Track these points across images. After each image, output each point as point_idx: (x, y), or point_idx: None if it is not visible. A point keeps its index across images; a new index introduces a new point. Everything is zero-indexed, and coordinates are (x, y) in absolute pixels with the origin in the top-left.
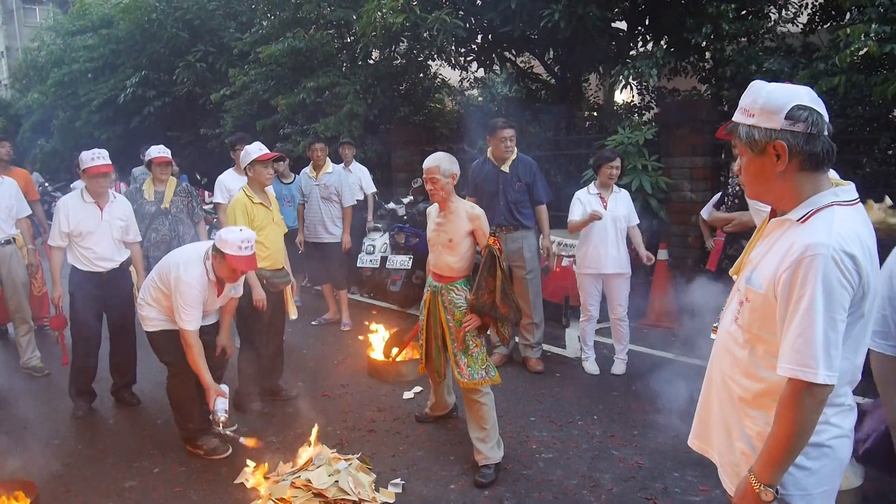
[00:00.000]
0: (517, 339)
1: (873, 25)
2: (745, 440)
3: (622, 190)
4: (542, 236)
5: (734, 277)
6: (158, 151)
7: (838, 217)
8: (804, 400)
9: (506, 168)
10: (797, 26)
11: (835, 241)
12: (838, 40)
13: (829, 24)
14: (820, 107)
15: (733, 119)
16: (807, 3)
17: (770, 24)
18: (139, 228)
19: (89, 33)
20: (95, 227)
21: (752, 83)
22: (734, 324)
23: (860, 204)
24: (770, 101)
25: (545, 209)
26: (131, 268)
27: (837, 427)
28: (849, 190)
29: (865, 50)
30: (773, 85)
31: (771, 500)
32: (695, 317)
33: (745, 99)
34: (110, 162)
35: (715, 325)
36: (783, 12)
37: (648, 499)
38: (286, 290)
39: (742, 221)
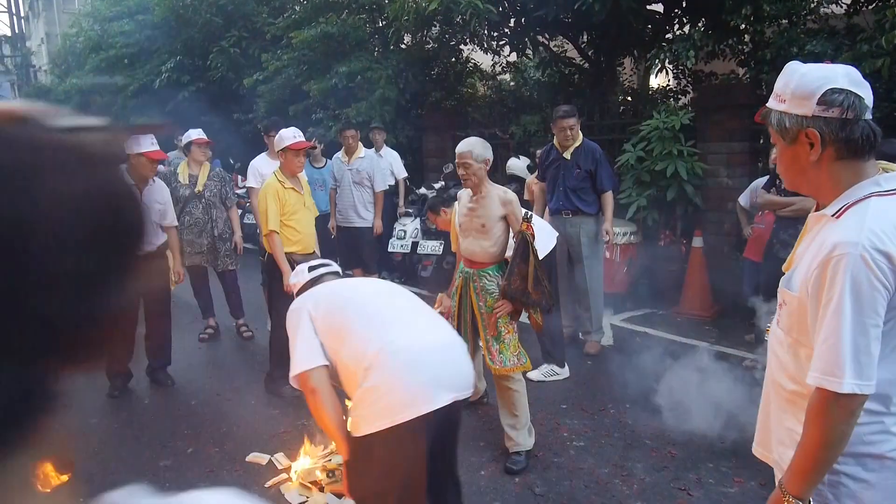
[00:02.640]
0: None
1: None
2: (794, 447)
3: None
4: (605, 221)
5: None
6: (198, 133)
7: (874, 210)
8: (831, 410)
9: (567, 155)
10: (841, 7)
11: (866, 239)
12: (884, 21)
13: (874, 5)
14: (861, 88)
15: (767, 104)
16: None
17: (813, 5)
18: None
19: (125, 19)
20: None
21: (787, 65)
22: (777, 326)
23: None
24: (802, 84)
25: (610, 196)
26: (168, 252)
27: None
28: (894, 177)
29: None
30: (808, 66)
31: None
32: (730, 306)
33: (779, 82)
34: (159, 149)
35: (768, 325)
36: None
37: (682, 489)
38: None
39: (804, 207)
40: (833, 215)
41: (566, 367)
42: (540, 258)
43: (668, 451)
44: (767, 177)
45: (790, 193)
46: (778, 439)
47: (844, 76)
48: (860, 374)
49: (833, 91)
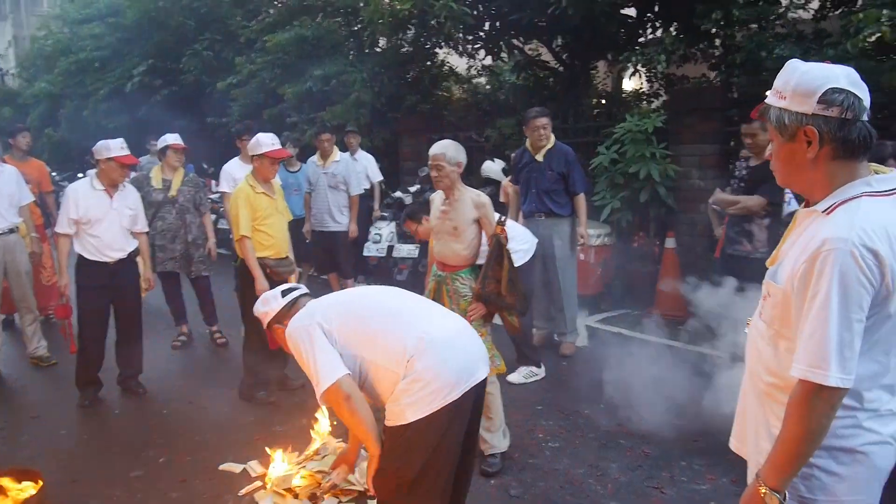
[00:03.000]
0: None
1: (885, 11)
2: (770, 440)
3: None
4: (578, 224)
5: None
6: (175, 138)
7: (865, 209)
8: (814, 403)
9: (540, 157)
10: (808, 12)
11: (855, 236)
12: (850, 26)
13: (840, 11)
14: (860, 89)
15: (766, 101)
16: None
17: (781, 10)
18: (145, 216)
19: (96, 22)
20: (104, 214)
21: (788, 62)
22: (759, 318)
23: None
24: (803, 82)
25: (582, 198)
26: (139, 258)
27: (873, 433)
28: (887, 179)
29: (878, 36)
30: (809, 65)
31: None
32: (702, 306)
33: (779, 79)
34: (133, 157)
35: (749, 318)
36: None
37: (656, 487)
38: (290, 279)
39: (747, 206)
40: (824, 212)
41: (542, 366)
42: (517, 265)
43: (642, 450)
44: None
45: (742, 192)
46: (754, 431)
47: (845, 76)
48: (844, 369)
49: (834, 90)
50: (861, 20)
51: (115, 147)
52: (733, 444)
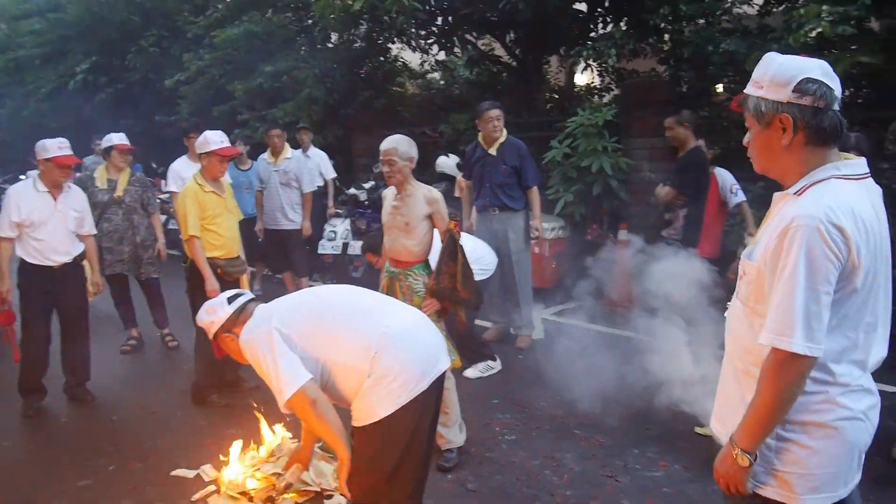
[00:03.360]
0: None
1: (825, 6)
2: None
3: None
4: (532, 218)
5: None
6: (120, 138)
7: (833, 189)
8: (783, 370)
9: (493, 151)
10: (753, 8)
11: (822, 213)
12: (792, 21)
13: (783, 6)
14: (832, 80)
15: (745, 91)
16: None
17: (727, 6)
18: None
19: (36, 17)
20: (48, 217)
21: (765, 55)
22: (736, 299)
23: (870, 180)
24: (779, 73)
25: (535, 192)
26: (84, 262)
27: (845, 408)
28: (855, 164)
29: (819, 31)
30: (785, 57)
31: (747, 466)
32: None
33: (757, 70)
34: (72, 153)
35: (728, 304)
36: None
37: (610, 476)
38: (242, 279)
39: (658, 196)
40: (795, 193)
41: (497, 359)
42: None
43: (597, 439)
44: None
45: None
46: (731, 408)
47: (818, 68)
48: (811, 338)
49: (808, 80)
50: (802, 16)
51: (52, 147)
52: (713, 425)
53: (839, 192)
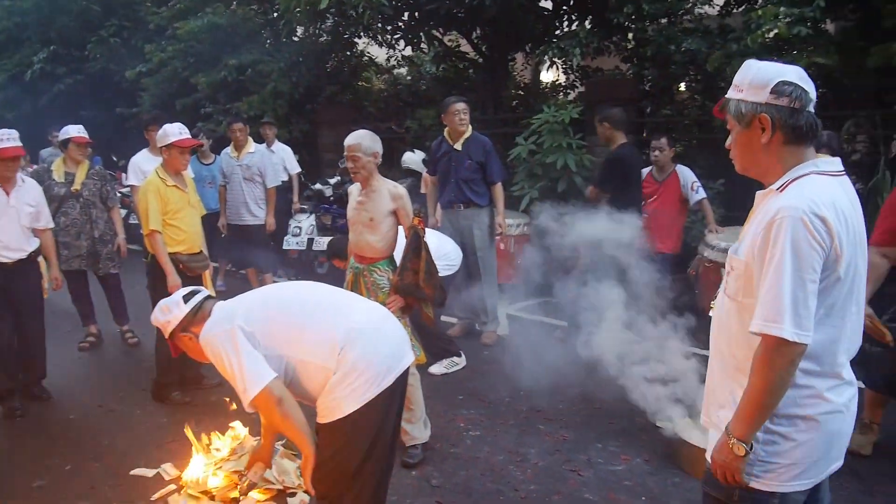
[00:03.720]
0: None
1: (782, 8)
2: (733, 407)
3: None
4: (496, 214)
5: None
6: (78, 131)
7: (813, 183)
8: (774, 357)
9: (458, 146)
10: (714, 8)
11: (805, 205)
12: (750, 22)
13: (743, 7)
14: (807, 84)
15: (726, 95)
16: None
17: (688, 6)
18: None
19: None
20: (1, 212)
21: (746, 62)
22: (724, 294)
23: (845, 177)
24: (758, 76)
25: (500, 188)
26: (40, 258)
27: (830, 402)
28: (832, 162)
29: (776, 31)
30: (763, 62)
31: (743, 455)
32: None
33: (738, 76)
34: (21, 144)
35: (712, 303)
36: None
37: (573, 470)
38: (205, 275)
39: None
40: (777, 189)
41: (462, 355)
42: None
43: (561, 434)
44: (650, 167)
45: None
46: (719, 403)
47: (794, 72)
48: (799, 325)
49: (784, 83)
50: (760, 17)
51: None
52: (704, 420)
53: (820, 186)
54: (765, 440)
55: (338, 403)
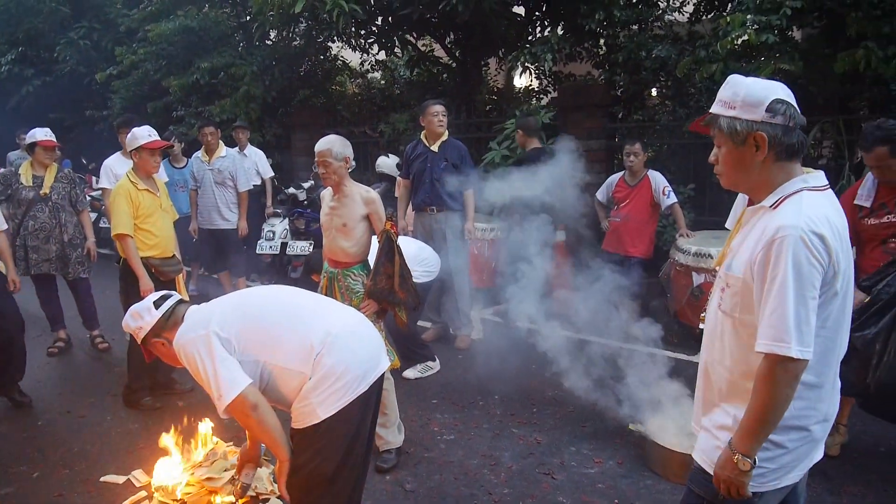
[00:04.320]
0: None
1: (749, 15)
2: (729, 418)
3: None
4: (466, 220)
5: (717, 269)
6: (45, 134)
7: (807, 201)
8: (779, 374)
9: (435, 148)
10: (684, 15)
11: (803, 223)
12: (719, 29)
13: (712, 14)
14: (793, 101)
15: (712, 111)
16: None
17: (659, 13)
18: (15, 214)
19: None
20: None
21: (730, 77)
22: (718, 310)
23: (830, 190)
24: (751, 94)
25: (472, 194)
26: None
27: (820, 412)
28: (818, 177)
29: (744, 38)
30: (751, 79)
31: (749, 469)
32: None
33: (726, 92)
34: None
35: (703, 314)
36: (671, 1)
37: (546, 473)
38: (178, 279)
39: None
40: (770, 206)
41: (437, 359)
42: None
43: (535, 437)
44: (622, 172)
45: None
46: (710, 415)
47: (782, 90)
48: (802, 342)
49: (777, 101)
50: (729, 23)
51: None
52: (693, 427)
53: (813, 202)
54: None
55: (313, 409)
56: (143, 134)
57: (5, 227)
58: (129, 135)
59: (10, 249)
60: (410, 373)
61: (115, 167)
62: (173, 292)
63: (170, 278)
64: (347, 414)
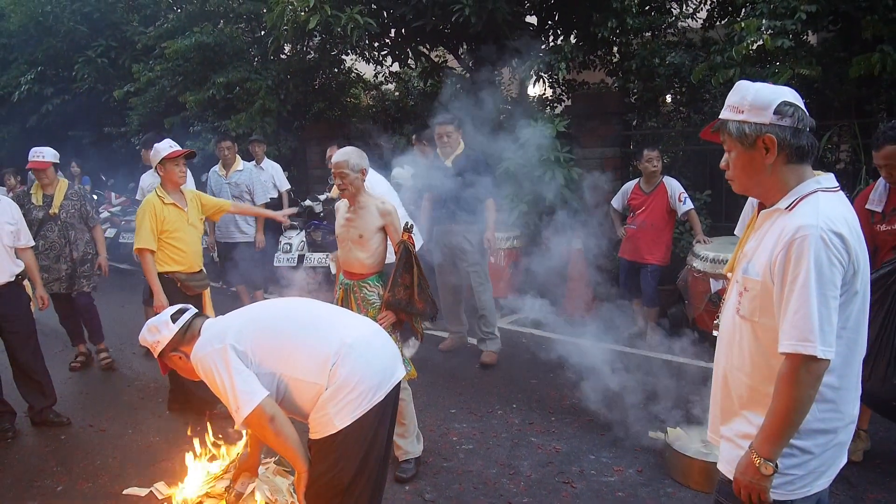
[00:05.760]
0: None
1: (764, 20)
2: (752, 427)
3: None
4: (486, 229)
5: (729, 275)
6: (34, 155)
7: (824, 201)
8: (801, 375)
9: (448, 163)
10: (697, 21)
11: (822, 223)
12: (733, 34)
13: (725, 20)
14: (801, 104)
15: (720, 117)
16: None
17: (672, 20)
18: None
19: None
20: None
21: (737, 83)
22: (736, 315)
23: (842, 192)
24: (758, 97)
25: (491, 203)
26: (26, 281)
27: (847, 415)
28: (830, 178)
29: (760, 43)
30: (759, 84)
31: (771, 474)
32: (610, 303)
33: (733, 97)
34: None
35: (717, 321)
36: (683, 7)
37: (566, 482)
38: (204, 294)
39: None
40: (786, 208)
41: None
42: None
43: (554, 446)
44: (637, 179)
45: None
46: (727, 421)
47: (790, 93)
48: (826, 342)
49: (785, 104)
50: (743, 29)
51: None
52: (711, 437)
53: (830, 203)
54: (784, 454)
55: (329, 419)
56: (164, 147)
57: (32, 243)
58: (151, 151)
59: (37, 266)
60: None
61: (144, 181)
62: (189, 306)
63: (196, 293)
64: (363, 424)
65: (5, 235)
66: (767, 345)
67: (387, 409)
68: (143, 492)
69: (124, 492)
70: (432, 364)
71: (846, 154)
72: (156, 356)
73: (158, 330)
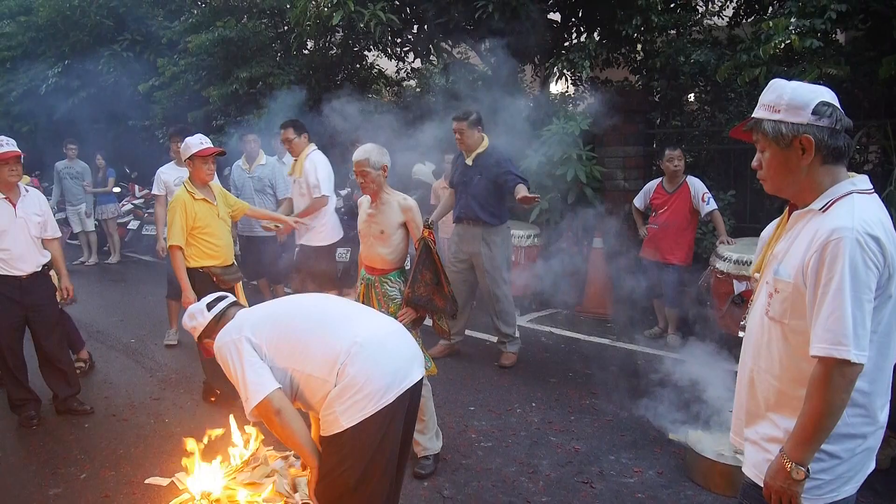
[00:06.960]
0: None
1: (792, 19)
2: (779, 430)
3: None
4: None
5: (756, 276)
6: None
7: (859, 204)
8: (834, 379)
9: (469, 161)
10: (723, 19)
11: (858, 225)
12: (760, 33)
13: (752, 18)
14: (838, 104)
15: (754, 116)
16: None
17: (697, 17)
18: None
19: (6, 20)
20: (9, 224)
21: (772, 81)
22: (766, 317)
23: (875, 194)
24: (796, 97)
25: (522, 186)
26: (52, 271)
27: (877, 420)
28: (864, 180)
29: (788, 42)
30: (795, 83)
31: (803, 479)
32: (630, 303)
33: (769, 96)
34: (18, 150)
35: (743, 322)
36: (709, 5)
37: (585, 482)
38: (237, 286)
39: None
40: (820, 209)
41: None
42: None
43: (573, 446)
44: (660, 179)
45: None
46: (764, 435)
47: (828, 93)
48: (860, 346)
49: (823, 104)
50: (771, 28)
51: None
52: (734, 440)
53: (865, 205)
54: (814, 458)
55: (336, 417)
56: (196, 143)
57: (59, 234)
58: (182, 145)
59: (63, 257)
60: None
61: (164, 174)
62: (228, 294)
63: (230, 286)
64: (371, 425)
65: (33, 226)
66: (797, 347)
67: (398, 412)
68: (164, 481)
69: (146, 481)
70: (451, 361)
71: (875, 155)
72: (196, 339)
73: (195, 317)
